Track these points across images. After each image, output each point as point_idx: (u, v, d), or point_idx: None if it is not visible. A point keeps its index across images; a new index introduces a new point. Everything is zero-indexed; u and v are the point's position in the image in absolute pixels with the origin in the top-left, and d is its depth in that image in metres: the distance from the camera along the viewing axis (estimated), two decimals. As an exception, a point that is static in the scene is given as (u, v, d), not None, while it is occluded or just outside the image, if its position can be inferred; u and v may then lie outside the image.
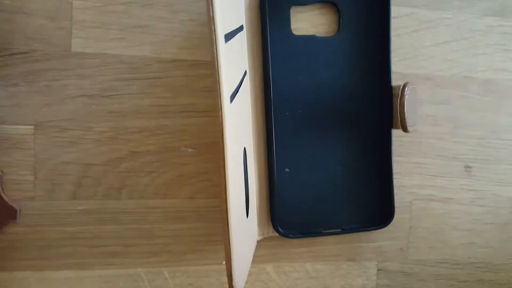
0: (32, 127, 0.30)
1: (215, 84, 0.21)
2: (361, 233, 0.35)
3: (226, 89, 0.21)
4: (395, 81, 0.34)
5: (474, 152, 0.37)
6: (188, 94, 0.32)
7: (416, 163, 0.36)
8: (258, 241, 0.33)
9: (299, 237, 0.33)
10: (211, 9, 0.20)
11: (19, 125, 0.30)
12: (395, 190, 0.35)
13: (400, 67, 0.35)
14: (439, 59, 0.36)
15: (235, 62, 0.25)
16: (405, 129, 0.30)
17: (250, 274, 0.34)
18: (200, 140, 0.33)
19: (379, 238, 0.36)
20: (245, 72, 0.30)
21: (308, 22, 0.33)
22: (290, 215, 0.33)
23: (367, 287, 0.36)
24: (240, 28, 0.28)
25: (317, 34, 0.33)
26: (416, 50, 0.35)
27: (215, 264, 0.34)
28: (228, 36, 0.23)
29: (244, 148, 0.28)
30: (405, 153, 0.36)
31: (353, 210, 0.34)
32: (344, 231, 0.34)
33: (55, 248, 0.31)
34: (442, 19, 0.36)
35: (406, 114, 0.29)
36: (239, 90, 0.26)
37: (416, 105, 0.32)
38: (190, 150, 0.33)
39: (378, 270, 0.36)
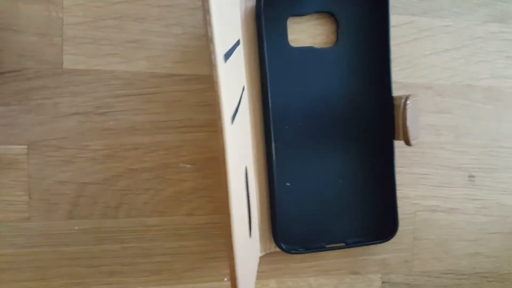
0: (25, 146, 0.30)
1: (216, 106, 0.20)
2: (365, 247, 0.35)
3: (227, 111, 0.21)
4: (396, 91, 0.33)
5: (477, 161, 0.36)
6: (184, 109, 0.31)
7: (419, 174, 0.35)
8: (260, 257, 0.33)
9: (301, 253, 0.32)
10: (209, 29, 0.19)
11: (12, 145, 0.30)
12: (399, 202, 0.34)
13: (400, 77, 0.34)
14: (440, 68, 0.35)
15: (234, 80, 0.24)
16: (408, 143, 0.30)
17: (252, 291, 0.33)
18: (198, 156, 0.32)
19: (383, 250, 0.35)
20: (243, 88, 0.29)
21: (305, 33, 0.33)
22: (292, 230, 0.32)
23: (372, 300, 0.36)
24: (237, 43, 0.27)
25: (315, 45, 0.32)
26: (416, 59, 0.35)
27: (216, 281, 0.33)
28: (227, 55, 0.22)
29: (246, 167, 0.27)
30: (407, 164, 0.35)
31: (357, 224, 0.34)
32: (348, 245, 0.33)
33: (52, 268, 0.31)
34: (442, 27, 0.35)
35: (409, 128, 0.29)
36: (239, 108, 0.25)
37: (418, 117, 0.32)
38: (188, 166, 0.32)
39: (383, 282, 0.36)
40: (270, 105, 0.31)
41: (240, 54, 0.29)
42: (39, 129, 0.30)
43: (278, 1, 0.31)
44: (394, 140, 0.33)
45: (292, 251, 0.32)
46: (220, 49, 0.19)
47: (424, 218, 0.36)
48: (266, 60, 0.30)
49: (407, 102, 0.29)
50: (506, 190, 0.37)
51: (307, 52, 0.32)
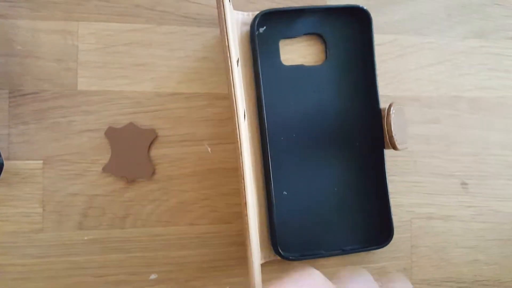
0: (41, 161, 0.32)
1: (231, 106, 0.23)
2: (363, 254, 0.36)
3: (241, 107, 0.23)
4: (384, 104, 0.35)
5: (469, 169, 0.37)
6: (187, 124, 0.34)
7: (412, 182, 0.37)
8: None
9: (300, 259, 0.33)
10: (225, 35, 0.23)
11: (29, 160, 0.32)
12: (394, 210, 0.35)
13: (388, 90, 0.37)
14: (426, 81, 0.37)
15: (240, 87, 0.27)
16: (394, 147, 0.31)
17: (253, 299, 0.34)
18: (200, 167, 0.34)
19: (382, 258, 0.36)
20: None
21: (296, 53, 0.35)
22: (290, 238, 0.34)
23: (372, 309, 0.36)
24: (238, 61, 0.30)
25: (305, 64, 0.35)
26: (402, 73, 0.37)
27: (218, 290, 0.34)
28: (237, 63, 0.25)
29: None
30: (400, 172, 0.37)
31: (352, 231, 0.35)
32: (345, 252, 0.34)
33: (62, 278, 0.32)
34: (424, 43, 0.37)
35: (394, 132, 0.30)
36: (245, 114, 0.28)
37: (405, 124, 0.34)
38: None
39: (383, 291, 0.36)
40: (265, 119, 0.33)
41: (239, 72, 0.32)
42: (54, 145, 0.32)
43: (270, 26, 0.34)
44: (384, 149, 0.34)
45: (290, 258, 0.33)
46: (235, 53, 0.23)
47: (420, 226, 0.37)
48: (261, 78, 0.33)
49: (391, 108, 0.31)
50: (499, 196, 0.38)
51: (299, 70, 0.35)
